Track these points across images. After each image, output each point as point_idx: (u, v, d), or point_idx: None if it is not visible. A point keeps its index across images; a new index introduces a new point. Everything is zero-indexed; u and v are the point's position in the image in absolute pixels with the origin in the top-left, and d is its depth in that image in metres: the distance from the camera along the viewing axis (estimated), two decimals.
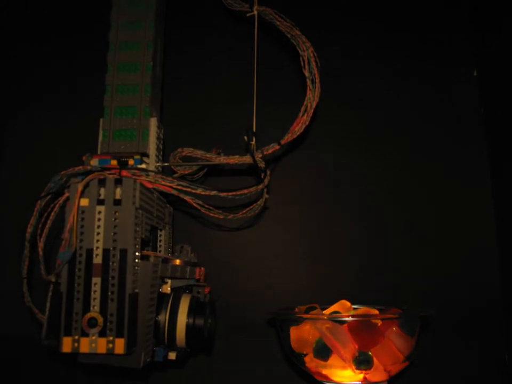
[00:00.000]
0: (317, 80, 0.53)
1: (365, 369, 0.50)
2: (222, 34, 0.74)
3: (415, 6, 0.74)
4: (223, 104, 0.71)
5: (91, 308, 0.43)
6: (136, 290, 0.45)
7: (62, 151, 0.69)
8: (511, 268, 0.63)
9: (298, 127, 0.53)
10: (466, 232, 0.67)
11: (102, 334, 0.43)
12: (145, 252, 0.48)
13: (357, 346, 0.49)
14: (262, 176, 0.52)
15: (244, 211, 0.52)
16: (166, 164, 0.55)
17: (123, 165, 0.50)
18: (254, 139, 0.51)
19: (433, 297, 0.65)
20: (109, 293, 0.43)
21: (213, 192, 0.48)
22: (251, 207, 0.53)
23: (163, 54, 0.58)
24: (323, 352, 0.51)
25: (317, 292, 0.66)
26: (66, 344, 0.43)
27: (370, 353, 0.50)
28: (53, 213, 0.48)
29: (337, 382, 0.51)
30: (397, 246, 0.67)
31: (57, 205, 0.48)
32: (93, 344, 0.43)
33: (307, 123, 0.53)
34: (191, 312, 0.49)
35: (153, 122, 0.53)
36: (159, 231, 0.58)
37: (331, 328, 0.50)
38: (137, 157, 0.51)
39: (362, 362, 0.50)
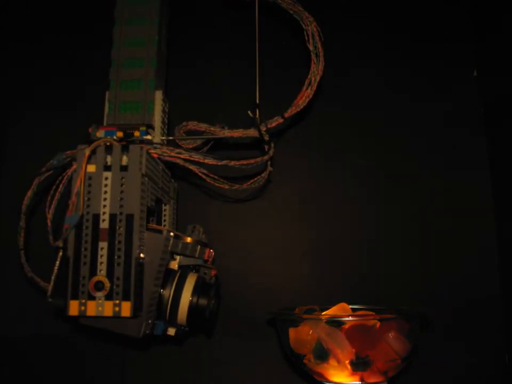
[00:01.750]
0: (321, 54, 0.53)
1: (362, 371, 0.50)
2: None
3: (415, 5, 0.74)
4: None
5: (98, 272, 0.44)
6: (142, 256, 0.45)
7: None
8: (511, 267, 0.63)
9: (302, 101, 0.54)
10: (467, 232, 0.67)
11: (108, 297, 0.43)
12: (159, 227, 0.48)
13: (354, 350, 0.49)
14: (266, 149, 0.53)
15: (249, 182, 0.53)
16: (171, 138, 0.56)
17: (128, 136, 0.51)
18: (258, 111, 0.52)
19: (433, 297, 0.65)
20: (116, 257, 0.44)
21: (223, 162, 0.48)
22: (255, 179, 0.53)
23: (168, 31, 0.59)
24: (321, 354, 0.51)
25: (316, 292, 0.67)
26: (73, 308, 0.43)
27: (367, 355, 0.50)
28: (61, 186, 0.49)
29: (337, 383, 0.51)
30: (397, 246, 0.67)
31: (65, 178, 0.49)
32: (100, 307, 0.43)
33: (311, 96, 0.53)
34: (196, 291, 0.49)
35: (159, 95, 0.54)
36: (163, 205, 0.59)
37: (329, 331, 0.50)
38: (143, 128, 0.51)
39: (359, 364, 0.50)
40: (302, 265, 0.68)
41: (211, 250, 0.55)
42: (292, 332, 0.53)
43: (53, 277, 0.43)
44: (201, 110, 0.61)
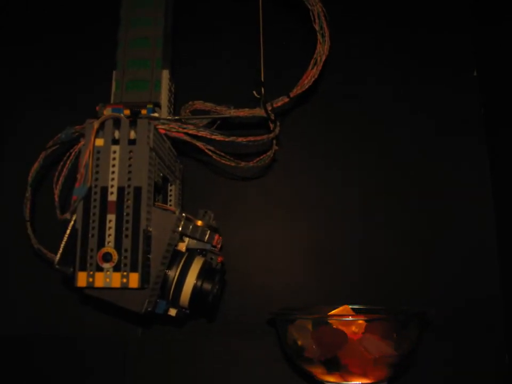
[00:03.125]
0: (326, 34, 0.54)
1: (336, 371, 0.50)
2: None
3: (415, 5, 0.74)
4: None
5: (106, 244, 0.44)
6: (150, 229, 0.46)
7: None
8: (511, 267, 0.63)
9: (307, 80, 0.54)
10: (467, 232, 0.67)
11: (116, 268, 0.44)
12: (171, 208, 0.48)
13: (320, 350, 0.50)
14: (272, 128, 0.53)
15: (255, 160, 0.53)
16: (177, 117, 0.56)
17: (136, 114, 0.51)
18: (263, 89, 0.52)
19: (433, 297, 0.65)
20: (124, 229, 0.44)
21: (230, 138, 0.49)
22: (261, 157, 0.54)
23: (173, 11, 0.59)
24: (297, 350, 0.52)
25: (317, 291, 0.67)
26: (81, 279, 0.44)
27: (336, 356, 0.50)
28: (68, 161, 0.49)
29: (337, 383, 0.51)
30: (398, 246, 0.68)
31: (73, 153, 0.49)
32: (107, 279, 0.44)
33: (316, 76, 0.54)
34: (201, 274, 0.49)
35: (165, 74, 0.54)
36: (169, 185, 0.59)
37: (299, 329, 0.52)
38: (150, 106, 0.51)
39: (328, 364, 0.50)
40: (301, 265, 0.69)
41: (220, 237, 0.55)
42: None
43: (62, 245, 0.43)
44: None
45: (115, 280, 0.44)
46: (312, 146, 0.71)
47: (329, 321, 0.50)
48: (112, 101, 0.52)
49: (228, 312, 0.66)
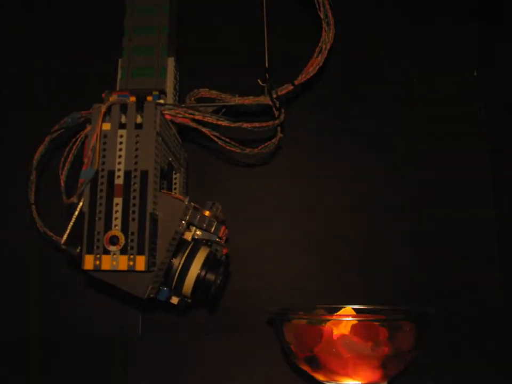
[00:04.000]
0: (331, 22, 0.54)
1: (316, 368, 0.51)
2: None
3: (416, 5, 0.75)
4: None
5: (113, 227, 0.44)
6: (157, 212, 0.46)
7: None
8: (511, 268, 0.64)
9: (312, 68, 0.54)
10: (467, 232, 0.68)
11: (123, 251, 0.44)
12: (180, 196, 0.48)
13: (298, 347, 0.51)
14: (277, 115, 0.53)
15: (260, 147, 0.53)
16: (183, 105, 0.56)
17: (141, 101, 0.51)
18: (267, 75, 0.52)
19: (433, 297, 0.66)
20: (130, 213, 0.44)
21: (236, 124, 0.49)
22: (266, 144, 0.54)
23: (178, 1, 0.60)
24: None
25: (316, 292, 0.67)
26: (88, 262, 0.44)
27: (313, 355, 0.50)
28: (74, 147, 0.49)
29: (337, 382, 0.51)
30: (398, 245, 0.68)
31: (79, 139, 0.49)
32: (114, 261, 0.44)
33: (321, 64, 0.54)
34: (206, 264, 0.49)
35: (171, 62, 0.55)
36: (174, 174, 0.59)
37: (289, 327, 0.53)
38: (156, 93, 0.51)
39: (307, 361, 0.51)
40: (301, 265, 0.69)
41: (226, 229, 0.55)
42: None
43: (69, 226, 0.44)
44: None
45: (122, 263, 0.44)
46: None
47: (323, 321, 0.51)
48: (117, 88, 0.53)
49: (228, 312, 0.66)
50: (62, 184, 0.48)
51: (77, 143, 0.49)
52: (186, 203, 0.48)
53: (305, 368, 0.53)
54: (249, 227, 0.70)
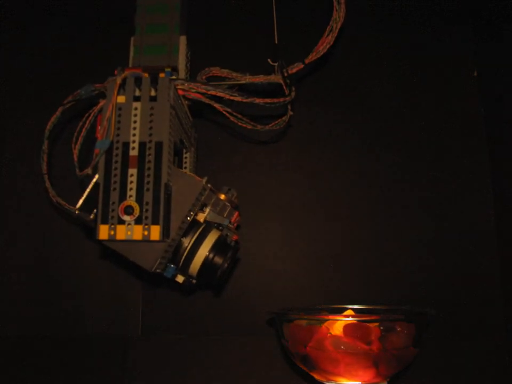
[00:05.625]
0: (342, 1, 0.54)
1: (308, 365, 0.52)
2: None
3: (416, 5, 0.75)
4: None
5: (127, 197, 0.45)
6: (171, 184, 0.46)
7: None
8: (511, 267, 0.64)
9: (322, 47, 0.55)
10: (467, 232, 0.68)
11: (138, 221, 0.44)
12: (198, 177, 0.49)
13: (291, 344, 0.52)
14: (287, 93, 0.54)
15: (271, 124, 0.54)
16: (195, 80, 0.56)
17: (154, 78, 0.52)
18: (278, 53, 0.53)
19: (433, 297, 0.66)
20: (145, 183, 0.45)
21: (249, 99, 0.49)
22: (277, 121, 0.55)
23: None
24: None
25: (317, 292, 0.68)
26: (103, 232, 0.44)
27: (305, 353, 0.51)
28: (87, 122, 0.50)
29: (337, 382, 0.51)
30: (397, 245, 0.68)
31: (91, 114, 0.50)
32: (129, 231, 0.44)
33: (331, 43, 0.55)
34: (215, 247, 0.49)
35: (183, 40, 0.55)
36: (184, 152, 0.60)
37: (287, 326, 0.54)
38: (168, 69, 0.52)
39: (298, 358, 0.52)
40: (301, 265, 0.69)
41: (239, 216, 0.55)
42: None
43: (85, 193, 0.44)
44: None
45: (137, 232, 0.44)
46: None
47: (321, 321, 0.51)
48: (130, 65, 0.53)
49: (228, 312, 0.67)
50: (75, 158, 0.49)
51: (90, 117, 0.50)
52: (204, 183, 0.48)
53: (303, 367, 0.54)
54: (248, 227, 0.70)
